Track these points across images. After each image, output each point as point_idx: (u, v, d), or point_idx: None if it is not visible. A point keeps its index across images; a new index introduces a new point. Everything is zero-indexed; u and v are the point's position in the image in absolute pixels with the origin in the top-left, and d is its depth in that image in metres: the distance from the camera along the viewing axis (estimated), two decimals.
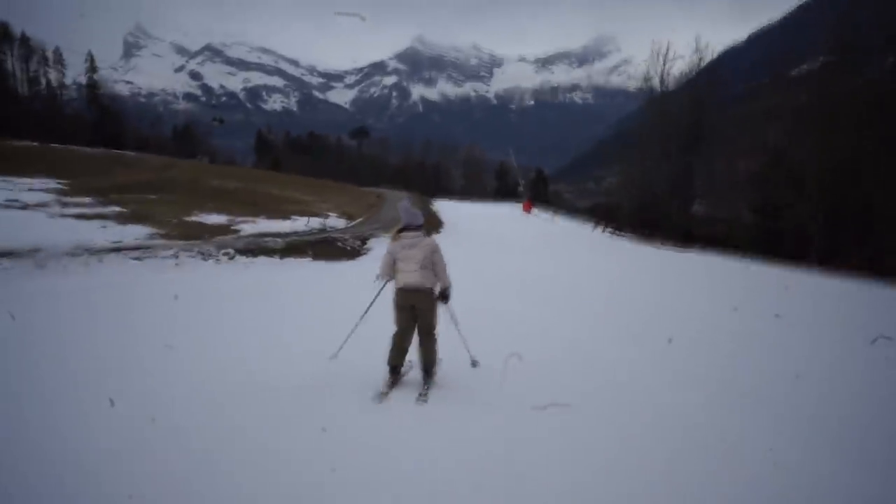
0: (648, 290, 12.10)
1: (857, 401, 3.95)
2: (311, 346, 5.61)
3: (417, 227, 4.97)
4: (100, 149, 41.02)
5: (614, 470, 3.04)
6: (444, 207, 39.55)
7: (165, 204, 21.70)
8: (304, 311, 8.37)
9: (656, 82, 39.81)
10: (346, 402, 4.39)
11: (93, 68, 59.05)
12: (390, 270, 4.96)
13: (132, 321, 6.99)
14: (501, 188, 70.16)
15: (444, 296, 4.92)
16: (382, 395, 4.65)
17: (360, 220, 26.86)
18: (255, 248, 15.64)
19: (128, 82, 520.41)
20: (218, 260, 13.59)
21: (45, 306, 7.61)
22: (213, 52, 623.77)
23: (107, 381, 4.51)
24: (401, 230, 4.98)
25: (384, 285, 5.15)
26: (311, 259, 16.22)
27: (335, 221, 24.68)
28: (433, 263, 4.86)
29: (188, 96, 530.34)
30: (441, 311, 4.96)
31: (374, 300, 5.34)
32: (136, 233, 15.65)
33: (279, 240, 17.34)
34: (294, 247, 16.81)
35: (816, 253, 24.11)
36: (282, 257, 15.57)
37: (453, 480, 3.13)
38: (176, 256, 12.75)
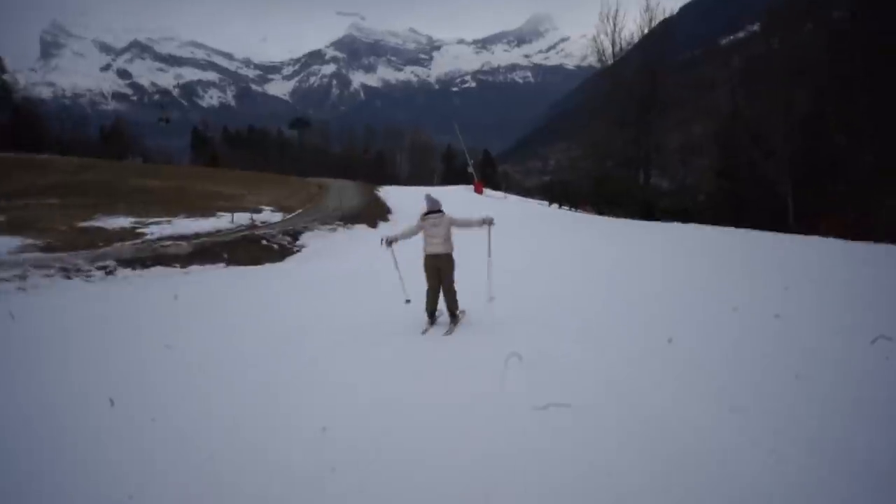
0: (640, 273, 10.71)
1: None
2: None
3: (438, 211, 6.72)
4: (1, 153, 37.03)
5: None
6: (390, 194, 36.67)
7: (64, 208, 19.58)
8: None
9: (607, 46, 37.60)
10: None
11: (1, 69, 55.31)
12: (406, 237, 6.92)
13: None
14: (449, 172, 68.10)
15: (490, 222, 6.93)
16: (424, 332, 6.58)
17: (298, 212, 24.50)
18: (151, 255, 12.83)
19: (49, 84, 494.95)
20: (89, 277, 10.39)
21: None
22: (141, 49, 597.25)
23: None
24: (426, 214, 6.69)
25: (393, 250, 7.00)
26: (225, 265, 13.55)
27: (269, 216, 22.22)
28: (458, 226, 6.75)
29: (117, 96, 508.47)
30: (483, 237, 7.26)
31: (395, 262, 7.15)
32: (3, 245, 12.88)
33: (184, 243, 14.59)
34: (205, 250, 14.05)
35: (793, 214, 23.26)
36: (185, 266, 12.78)
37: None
38: (22, 277, 9.45)
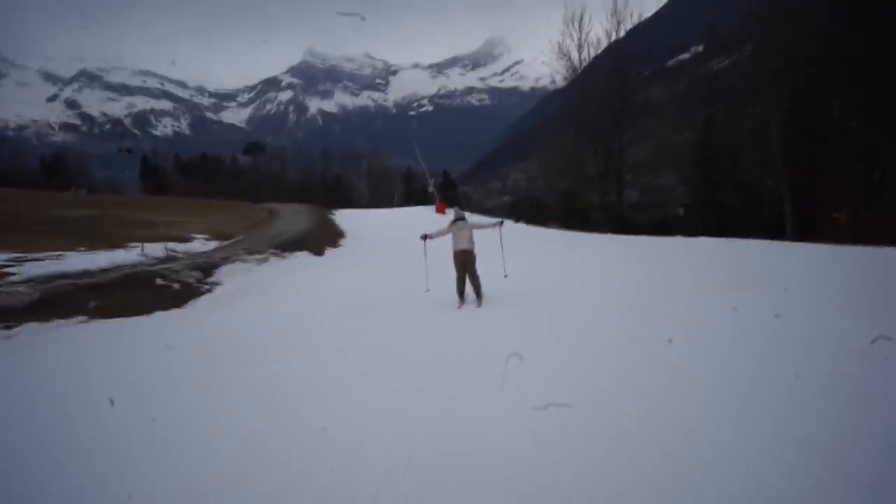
0: (629, 281, 10.53)
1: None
2: None
3: (463, 218, 9.22)
4: None
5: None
6: (346, 218, 35.98)
7: None
8: None
9: (573, 52, 35.41)
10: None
11: None
12: (439, 237, 9.33)
13: None
14: (410, 194, 68.03)
15: (500, 224, 9.70)
16: (458, 307, 8.71)
17: (237, 239, 21.41)
18: None
19: None
20: None
21: None
22: (89, 78, 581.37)
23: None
24: (454, 221, 9.12)
25: (425, 243, 9.64)
26: (87, 318, 9.23)
27: (200, 245, 18.97)
28: (478, 228, 9.35)
29: (66, 126, 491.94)
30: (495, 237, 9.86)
31: (425, 254, 9.94)
32: None
33: (22, 288, 9.94)
34: (58, 298, 9.65)
35: (791, 220, 22.47)
36: (17, 323, 8.36)
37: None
38: None
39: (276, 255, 16.95)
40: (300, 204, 43.05)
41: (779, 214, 23.51)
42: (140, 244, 16.53)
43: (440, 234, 9.30)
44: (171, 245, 17.36)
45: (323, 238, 23.30)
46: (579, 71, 35.58)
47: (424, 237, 9.52)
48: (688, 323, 6.52)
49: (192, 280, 12.64)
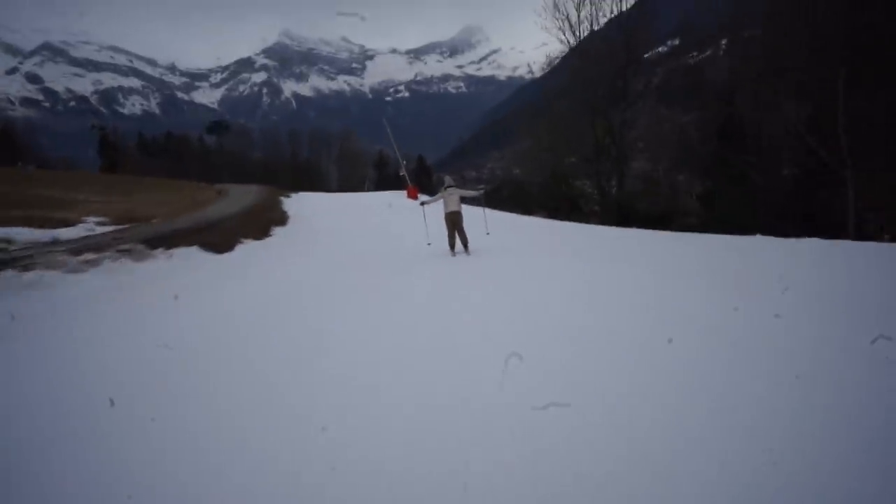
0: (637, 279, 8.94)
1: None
2: None
3: (452, 185, 11.20)
4: None
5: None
6: (303, 202, 33.20)
7: None
8: None
9: (572, 14, 31.82)
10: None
11: None
12: (434, 202, 11.68)
13: None
14: (382, 179, 66.65)
15: (482, 191, 12.34)
16: (451, 256, 10.77)
17: (142, 224, 15.79)
18: None
19: None
20: None
21: None
22: (53, 52, 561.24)
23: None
24: (446, 188, 11.11)
25: (423, 207, 12.10)
26: None
27: (81, 231, 13.62)
28: (464, 194, 11.30)
29: (27, 101, 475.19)
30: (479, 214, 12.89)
31: (424, 216, 12.34)
32: None
33: None
34: None
35: (854, 219, 18.79)
36: None
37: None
38: None
39: (145, 249, 10.69)
40: (261, 186, 40.64)
41: (826, 207, 19.81)
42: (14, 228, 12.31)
43: (434, 200, 11.73)
44: (18, 232, 11.97)
45: (255, 223, 18.30)
46: (578, 34, 32.20)
47: (422, 203, 12.06)
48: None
49: None
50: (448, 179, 11.59)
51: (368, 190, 53.27)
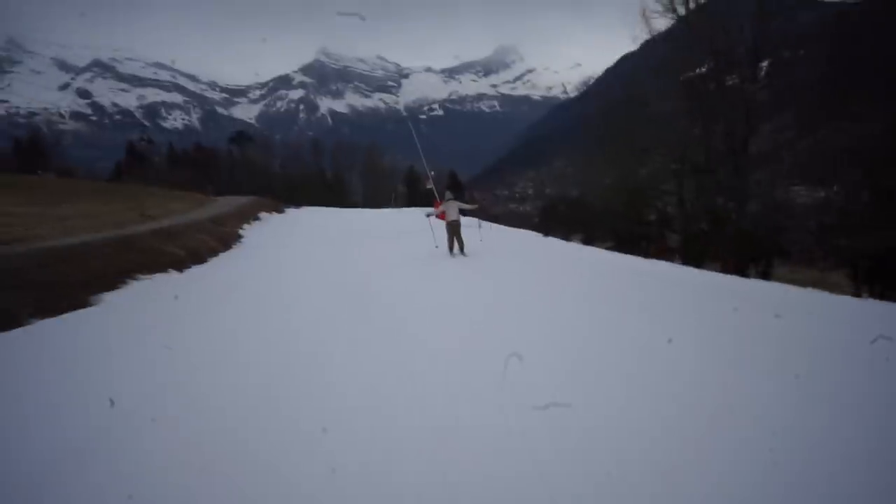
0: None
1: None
2: None
3: (453, 199, 13.04)
4: None
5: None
6: (286, 222, 28.58)
7: None
8: None
9: None
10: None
11: None
12: (436, 213, 13.44)
13: None
14: (413, 195, 64.39)
15: (474, 212, 14.47)
16: (451, 256, 12.86)
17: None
18: None
19: (2, 101, 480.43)
20: None
21: None
22: (102, 68, 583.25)
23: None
24: (447, 200, 12.94)
25: (429, 218, 14.02)
26: None
27: None
28: (462, 207, 13.22)
29: (76, 115, 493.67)
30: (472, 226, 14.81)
31: (431, 225, 14.18)
32: None
33: None
34: None
35: None
36: None
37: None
38: None
39: None
40: (253, 198, 36.39)
41: None
42: None
43: (437, 212, 13.51)
44: None
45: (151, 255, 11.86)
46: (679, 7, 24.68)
47: (427, 215, 14.20)
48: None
49: None
50: (448, 193, 13.46)
51: (397, 206, 50.17)
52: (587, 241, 24.84)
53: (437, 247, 13.85)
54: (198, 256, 13.28)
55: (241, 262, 14.47)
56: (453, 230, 12.82)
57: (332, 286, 9.96)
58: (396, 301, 8.42)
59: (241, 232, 20.57)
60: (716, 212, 22.97)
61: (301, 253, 16.26)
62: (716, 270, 16.78)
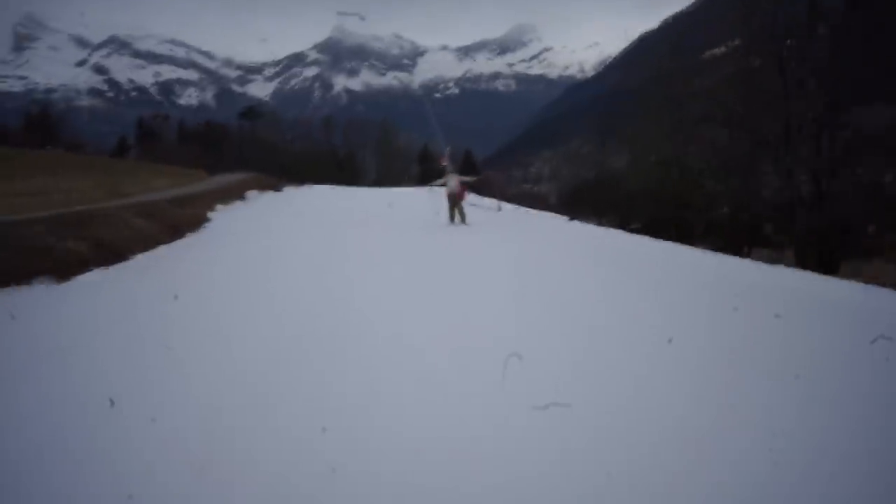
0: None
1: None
2: None
3: (453, 171, 14.83)
4: None
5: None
6: (297, 199, 26.95)
7: None
8: None
9: None
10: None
11: None
12: (440, 184, 15.01)
13: None
14: (425, 173, 63.30)
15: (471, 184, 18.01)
16: (449, 225, 14.24)
17: None
18: None
19: (21, 77, 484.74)
20: None
21: None
22: (119, 45, 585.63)
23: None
24: (448, 173, 14.48)
25: (433, 188, 16.12)
26: None
27: None
28: (461, 180, 14.80)
29: (93, 91, 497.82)
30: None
31: (432, 192, 15.88)
32: None
33: None
34: None
35: None
36: None
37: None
38: None
39: None
40: (251, 174, 35.04)
41: None
42: None
43: (439, 183, 15.01)
44: None
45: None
46: None
47: (430, 186, 16.11)
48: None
49: None
50: (448, 166, 14.98)
51: (408, 184, 49.07)
52: (627, 227, 22.23)
53: (437, 213, 14.85)
54: (115, 253, 9.74)
55: (182, 264, 10.23)
56: (453, 201, 14.26)
57: (301, 307, 6.69)
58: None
59: (210, 215, 17.43)
60: (792, 194, 19.48)
61: (274, 245, 12.33)
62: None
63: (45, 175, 21.47)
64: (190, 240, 13.26)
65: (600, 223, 23.73)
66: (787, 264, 14.44)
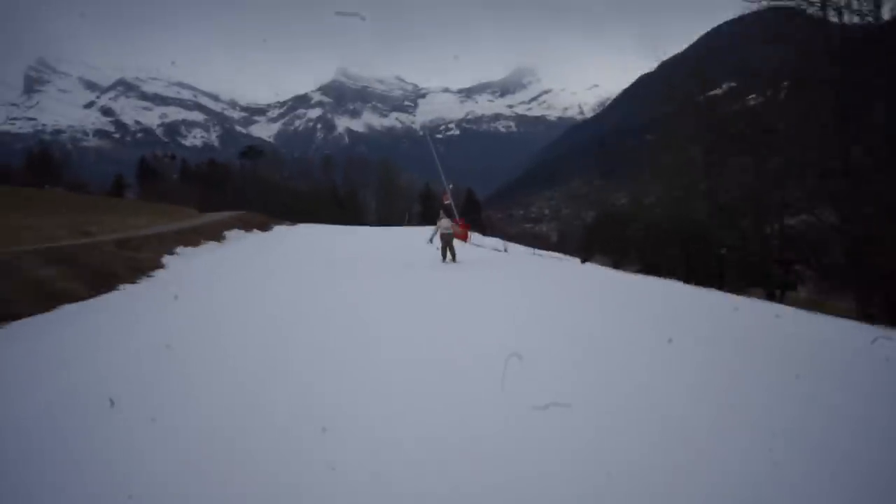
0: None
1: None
2: None
3: (446, 217, 17.24)
4: None
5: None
6: (286, 240, 25.48)
7: None
8: None
9: None
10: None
11: None
12: (435, 233, 16.56)
13: None
14: (427, 213, 63.22)
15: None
16: (442, 262, 16.34)
17: None
18: None
19: (30, 119, 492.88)
20: None
21: None
22: (126, 87, 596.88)
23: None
24: (441, 218, 16.85)
25: (432, 240, 16.64)
26: None
27: None
28: (452, 224, 17.31)
29: (100, 133, 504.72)
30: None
31: (432, 241, 16.62)
32: None
33: None
34: None
35: None
36: None
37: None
38: None
39: None
40: (237, 212, 33.35)
41: None
42: None
43: (435, 232, 16.67)
44: None
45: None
46: None
47: (430, 240, 16.84)
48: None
49: None
50: (442, 213, 17.44)
51: (410, 224, 48.76)
52: (653, 272, 20.07)
53: (430, 242, 16.77)
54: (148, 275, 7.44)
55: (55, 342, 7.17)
56: (446, 241, 16.47)
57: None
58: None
59: (165, 260, 14.92)
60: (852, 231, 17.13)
61: (241, 305, 9.93)
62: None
63: (16, 212, 20.29)
64: (116, 297, 10.30)
65: (616, 265, 22.91)
66: (833, 312, 13.16)
